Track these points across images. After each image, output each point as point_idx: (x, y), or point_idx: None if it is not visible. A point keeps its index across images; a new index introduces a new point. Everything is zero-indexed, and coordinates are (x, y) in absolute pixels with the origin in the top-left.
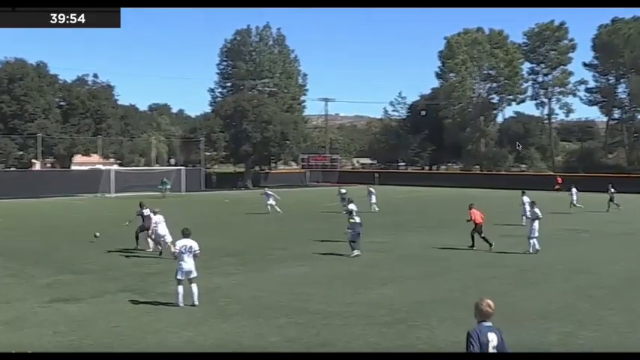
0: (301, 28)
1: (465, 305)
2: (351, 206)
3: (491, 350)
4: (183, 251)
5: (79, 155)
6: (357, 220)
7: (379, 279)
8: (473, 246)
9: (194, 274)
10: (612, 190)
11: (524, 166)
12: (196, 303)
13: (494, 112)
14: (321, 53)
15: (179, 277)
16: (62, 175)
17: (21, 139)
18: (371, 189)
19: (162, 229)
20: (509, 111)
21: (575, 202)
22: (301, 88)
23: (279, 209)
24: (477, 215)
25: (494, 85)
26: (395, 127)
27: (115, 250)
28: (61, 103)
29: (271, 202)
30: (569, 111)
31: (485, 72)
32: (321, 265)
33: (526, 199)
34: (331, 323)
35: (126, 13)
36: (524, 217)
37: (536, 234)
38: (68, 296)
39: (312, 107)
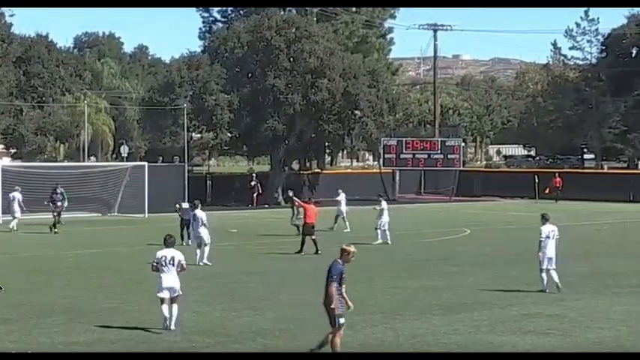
0: None
1: None
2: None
3: None
4: (163, 263)
5: None
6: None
7: None
8: (300, 251)
9: (178, 292)
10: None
11: None
12: (172, 327)
13: None
14: None
15: (161, 294)
16: None
17: None
18: None
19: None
20: None
21: (343, 215)
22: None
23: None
24: (311, 212)
25: None
26: (575, 82)
27: None
28: None
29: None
30: None
31: None
32: None
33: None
34: None
35: None
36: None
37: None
38: None
39: (408, 43)
